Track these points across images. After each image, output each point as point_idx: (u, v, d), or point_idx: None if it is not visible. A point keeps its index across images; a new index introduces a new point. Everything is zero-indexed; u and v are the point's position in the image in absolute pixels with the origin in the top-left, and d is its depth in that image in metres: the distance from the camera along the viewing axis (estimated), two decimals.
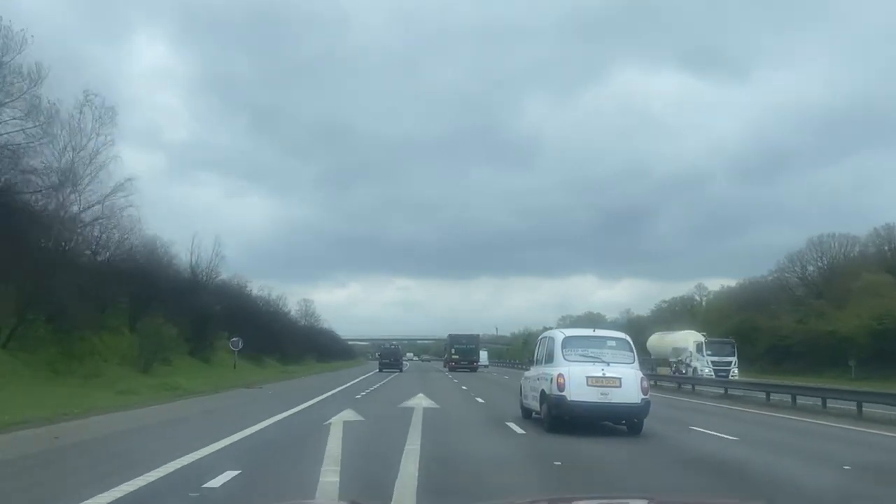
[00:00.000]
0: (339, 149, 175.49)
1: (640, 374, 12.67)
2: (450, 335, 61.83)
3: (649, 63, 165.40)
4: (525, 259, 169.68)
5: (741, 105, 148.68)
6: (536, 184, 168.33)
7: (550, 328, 27.66)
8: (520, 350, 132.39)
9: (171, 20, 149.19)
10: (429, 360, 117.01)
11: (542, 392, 12.86)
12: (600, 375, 12.19)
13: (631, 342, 13.38)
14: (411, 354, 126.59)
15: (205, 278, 45.01)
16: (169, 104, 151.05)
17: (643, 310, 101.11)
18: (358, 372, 48.94)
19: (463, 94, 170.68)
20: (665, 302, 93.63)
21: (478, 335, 66.67)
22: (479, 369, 56.45)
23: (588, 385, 12.10)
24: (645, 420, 12.66)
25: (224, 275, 49.76)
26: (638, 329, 58.00)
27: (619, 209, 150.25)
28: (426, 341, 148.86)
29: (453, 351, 58.70)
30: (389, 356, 55.13)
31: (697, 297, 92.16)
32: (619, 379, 12.22)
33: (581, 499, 3.57)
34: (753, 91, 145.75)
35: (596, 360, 12.51)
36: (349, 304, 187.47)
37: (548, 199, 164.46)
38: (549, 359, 13.06)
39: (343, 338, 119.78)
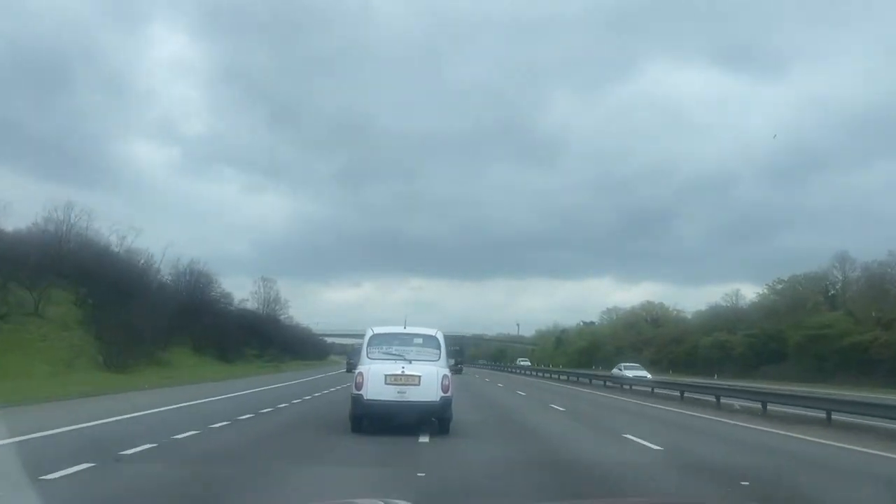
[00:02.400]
0: (358, 144, 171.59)
1: (443, 372, 12.53)
2: None
3: (680, 58, 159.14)
4: (542, 260, 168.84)
5: (774, 103, 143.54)
6: (558, 183, 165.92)
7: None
8: (551, 352, 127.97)
9: (191, 10, 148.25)
10: None
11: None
12: (399, 373, 12.11)
13: (441, 339, 13.17)
14: None
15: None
16: (187, 96, 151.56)
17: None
18: (298, 376, 41.92)
19: (486, 88, 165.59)
20: (780, 282, 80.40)
21: (463, 338, 71.06)
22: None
23: (386, 384, 12.04)
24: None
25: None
26: None
27: (641, 210, 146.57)
28: None
29: None
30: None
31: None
32: (419, 377, 12.14)
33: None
34: (788, 89, 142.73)
35: (399, 357, 12.48)
36: (362, 304, 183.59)
37: (569, 198, 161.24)
38: (359, 357, 12.97)
39: (320, 333, 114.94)
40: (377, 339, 12.88)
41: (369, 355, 12.54)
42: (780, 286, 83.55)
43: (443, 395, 12.22)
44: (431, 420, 12.54)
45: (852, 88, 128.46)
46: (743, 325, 75.04)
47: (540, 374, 62.45)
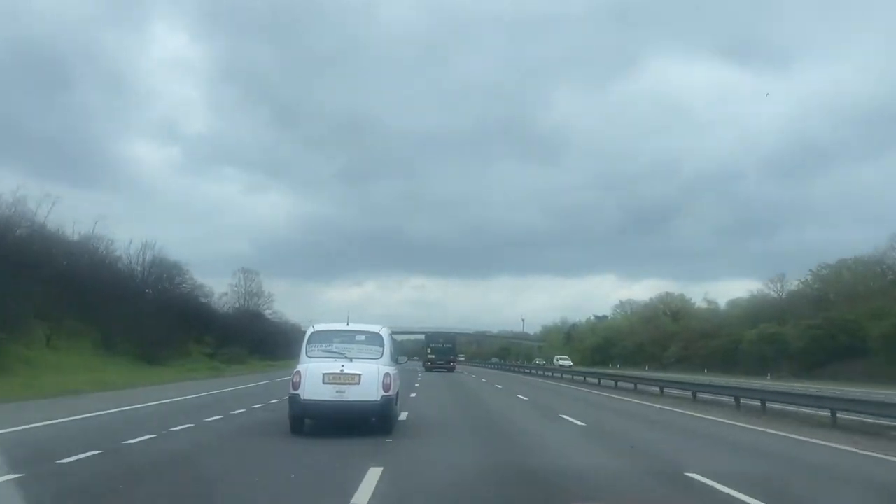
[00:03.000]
0: (360, 143, 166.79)
1: (385, 370, 11.83)
2: (426, 334, 62.19)
3: (685, 52, 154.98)
4: (544, 258, 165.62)
5: (781, 98, 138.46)
6: (561, 180, 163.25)
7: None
8: (560, 348, 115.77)
9: (192, 9, 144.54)
10: (405, 361, 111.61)
11: None
12: (338, 372, 11.51)
13: (385, 336, 12.49)
14: None
15: None
16: (187, 95, 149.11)
17: None
18: (235, 382, 30.84)
19: (489, 85, 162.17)
20: (825, 267, 70.13)
21: (455, 335, 65.69)
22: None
23: (324, 383, 11.47)
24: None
25: None
26: None
27: (644, 207, 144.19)
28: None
29: (429, 350, 57.93)
30: None
31: None
32: (359, 375, 11.54)
33: None
34: (795, 83, 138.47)
35: (339, 355, 11.91)
36: (364, 304, 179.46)
37: (572, 196, 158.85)
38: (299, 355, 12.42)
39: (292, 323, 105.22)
40: (317, 337, 12.31)
41: (308, 354, 12.01)
42: (824, 272, 72.66)
43: (384, 394, 11.60)
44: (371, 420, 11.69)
45: (859, 83, 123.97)
46: (792, 316, 63.79)
47: (546, 374, 51.66)
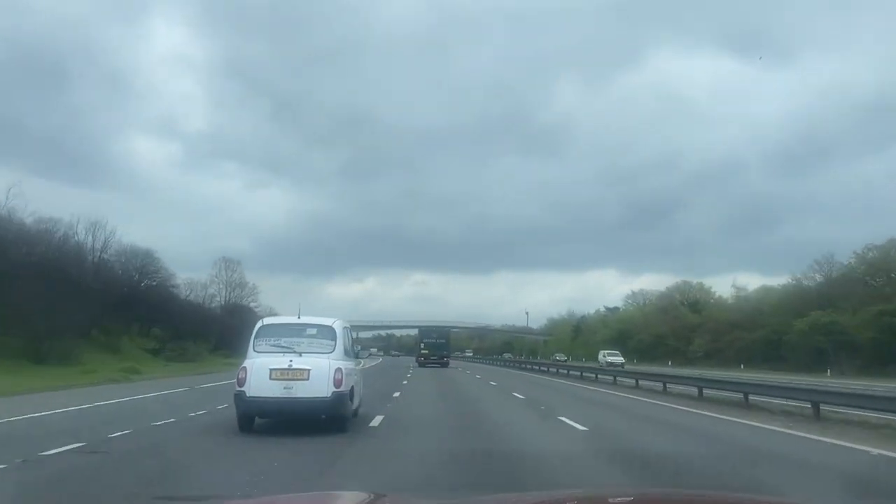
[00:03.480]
0: (361, 139, 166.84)
1: (337, 365, 11.04)
2: (420, 328, 61.10)
3: (688, 45, 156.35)
4: (545, 253, 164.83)
5: (784, 91, 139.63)
6: (563, 175, 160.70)
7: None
8: (568, 343, 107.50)
9: (191, 3, 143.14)
10: (398, 356, 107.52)
11: None
12: (286, 367, 10.87)
13: (339, 329, 11.70)
14: (375, 349, 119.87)
15: None
16: (187, 92, 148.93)
17: None
18: (149, 388, 22.20)
19: (490, 80, 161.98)
20: (871, 249, 62.10)
21: (448, 329, 63.36)
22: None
23: (271, 379, 10.75)
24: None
25: None
26: None
27: (646, 201, 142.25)
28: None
29: (422, 346, 56.86)
30: None
31: None
32: (308, 371, 10.85)
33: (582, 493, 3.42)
34: (798, 76, 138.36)
35: (288, 350, 11.19)
36: (365, 300, 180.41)
37: (573, 191, 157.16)
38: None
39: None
40: (266, 331, 11.58)
41: (256, 348, 11.27)
42: (870, 254, 63.79)
43: (335, 390, 10.82)
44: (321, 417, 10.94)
45: (865, 75, 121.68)
46: (845, 302, 54.85)
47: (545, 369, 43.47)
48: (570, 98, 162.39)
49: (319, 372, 10.75)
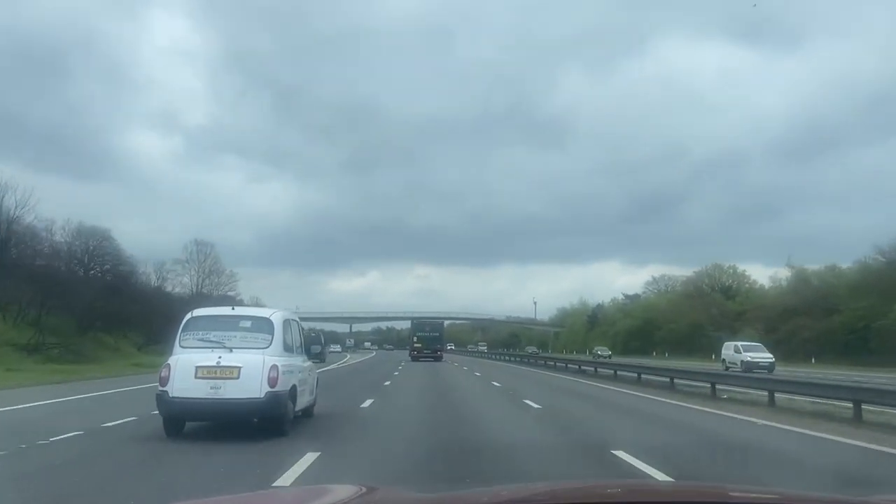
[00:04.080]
0: (363, 131, 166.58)
1: (272, 362, 9.91)
2: (413, 321, 60.07)
3: (694, 31, 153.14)
4: (549, 245, 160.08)
5: (791, 78, 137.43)
6: (567, 167, 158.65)
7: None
8: (583, 335, 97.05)
9: None
10: (391, 350, 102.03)
11: None
12: (213, 365, 9.77)
13: (277, 322, 10.54)
14: (368, 343, 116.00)
15: None
16: (188, 85, 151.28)
17: None
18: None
19: (494, 68, 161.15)
20: None
21: (442, 322, 62.42)
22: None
23: (197, 377, 9.69)
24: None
25: None
26: None
27: (650, 192, 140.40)
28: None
29: (415, 339, 55.21)
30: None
31: None
32: (238, 368, 9.76)
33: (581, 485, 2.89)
34: (806, 62, 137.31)
35: (217, 345, 10.06)
36: (367, 293, 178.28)
37: (577, 182, 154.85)
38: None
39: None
40: (194, 324, 10.45)
41: (182, 343, 10.21)
42: None
43: (269, 389, 9.72)
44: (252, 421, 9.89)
45: (871, 63, 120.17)
46: None
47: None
48: (575, 87, 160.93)
49: (251, 370, 9.72)
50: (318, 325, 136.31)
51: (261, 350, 9.99)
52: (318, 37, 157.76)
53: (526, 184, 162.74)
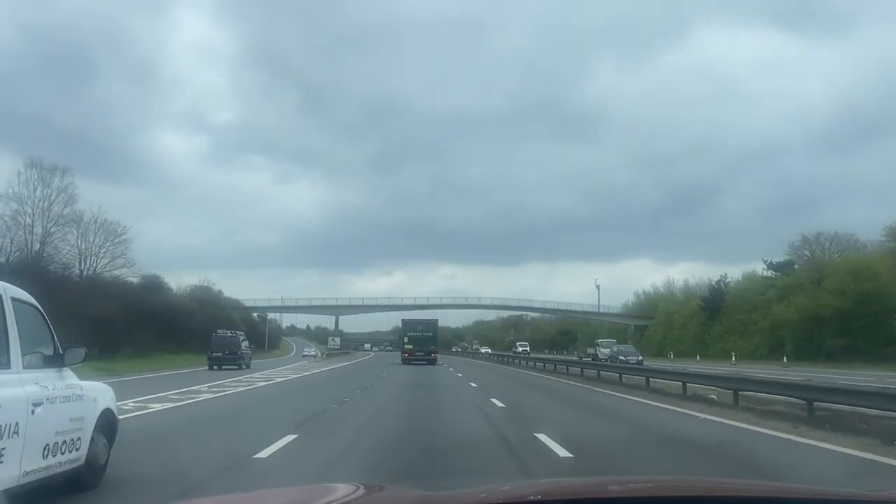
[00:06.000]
0: (390, 127, 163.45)
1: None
2: (403, 320, 55.78)
3: (735, 18, 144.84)
4: (578, 242, 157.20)
5: (836, 66, 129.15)
6: (599, 161, 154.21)
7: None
8: (696, 327, 73.00)
9: None
10: (390, 350, 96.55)
11: None
12: None
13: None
14: (368, 345, 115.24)
15: None
16: (214, 82, 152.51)
17: None
18: None
19: (525, 60, 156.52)
20: None
21: (436, 320, 56.29)
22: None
23: None
24: None
25: None
26: None
27: (684, 187, 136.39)
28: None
29: (406, 340, 51.11)
30: (223, 348, 38.33)
31: None
32: None
33: (580, 483, 3.16)
34: (853, 49, 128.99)
35: None
36: (392, 293, 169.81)
37: (609, 177, 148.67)
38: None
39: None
40: None
41: None
42: None
43: None
44: None
45: None
46: None
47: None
48: (607, 79, 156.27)
49: None
50: (303, 318, 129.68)
51: None
52: (345, 32, 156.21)
53: (556, 179, 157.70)
